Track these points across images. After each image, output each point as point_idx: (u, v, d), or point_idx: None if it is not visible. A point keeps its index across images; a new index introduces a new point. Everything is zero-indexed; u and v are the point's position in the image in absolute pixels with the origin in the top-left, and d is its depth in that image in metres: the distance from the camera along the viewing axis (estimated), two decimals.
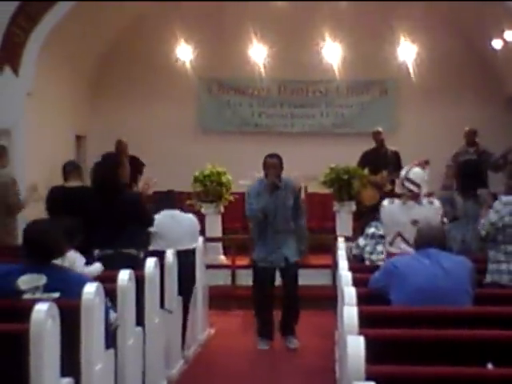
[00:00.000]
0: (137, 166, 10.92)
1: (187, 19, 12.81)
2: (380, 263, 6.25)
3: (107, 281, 4.78)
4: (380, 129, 11.98)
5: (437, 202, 6.43)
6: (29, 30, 10.46)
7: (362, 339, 3.71)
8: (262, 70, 13.09)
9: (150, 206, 6.90)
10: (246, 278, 10.04)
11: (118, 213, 6.21)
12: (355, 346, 3.67)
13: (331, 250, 9.37)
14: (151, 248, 7.01)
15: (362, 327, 4.10)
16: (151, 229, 7.01)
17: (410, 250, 5.71)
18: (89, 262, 5.61)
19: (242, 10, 12.88)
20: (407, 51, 12.79)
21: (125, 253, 6.16)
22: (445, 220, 6.50)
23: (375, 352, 3.65)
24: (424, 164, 9.27)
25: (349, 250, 7.33)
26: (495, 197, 6.16)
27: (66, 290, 4.36)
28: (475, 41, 13.14)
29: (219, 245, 10.99)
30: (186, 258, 7.25)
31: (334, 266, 8.41)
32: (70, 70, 12.13)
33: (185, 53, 12.96)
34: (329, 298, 8.20)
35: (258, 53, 12.96)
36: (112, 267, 5.50)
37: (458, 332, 4.15)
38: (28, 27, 10.46)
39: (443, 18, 13.25)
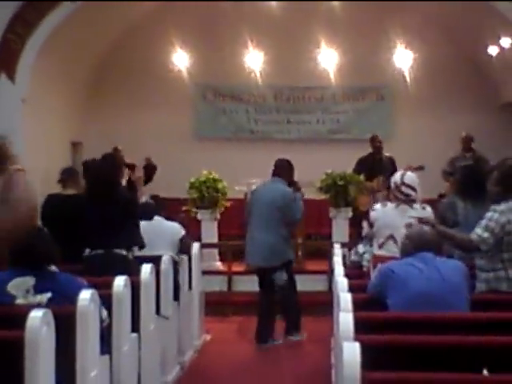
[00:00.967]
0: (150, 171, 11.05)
1: (183, 26, 12.83)
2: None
3: (103, 287, 4.77)
4: (378, 134, 11.95)
5: (428, 208, 6.44)
6: (25, 37, 10.47)
7: (357, 345, 3.70)
8: (258, 76, 13.11)
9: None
10: (242, 284, 10.08)
11: (111, 212, 6.19)
12: (351, 352, 3.66)
13: (327, 255, 9.36)
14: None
15: (357, 333, 4.09)
16: None
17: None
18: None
19: (237, 16, 12.91)
20: (403, 57, 12.83)
21: (114, 253, 6.14)
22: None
23: (371, 358, 3.64)
24: (417, 169, 9.30)
25: (345, 256, 7.33)
26: None
27: (56, 289, 4.38)
28: (471, 47, 13.17)
29: (215, 251, 10.99)
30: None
31: (330, 272, 8.40)
32: (66, 77, 12.13)
33: (180, 60, 12.97)
34: (325, 304, 8.19)
35: (253, 59, 12.98)
36: (101, 267, 5.50)
37: (454, 338, 4.14)
38: (24, 34, 10.47)
39: (439, 24, 13.29)
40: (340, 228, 10.73)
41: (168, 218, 7.66)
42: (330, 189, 10.71)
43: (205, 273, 8.89)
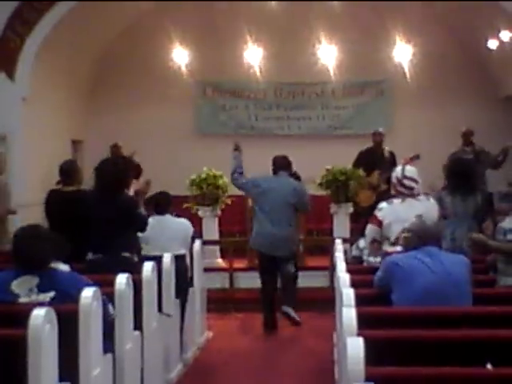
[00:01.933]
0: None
1: (182, 23, 12.80)
2: (378, 265, 6.24)
3: (105, 285, 4.77)
4: (381, 129, 11.90)
5: (432, 199, 6.52)
6: (24, 36, 10.44)
7: (361, 340, 3.71)
8: (258, 72, 13.07)
9: (144, 210, 6.85)
10: (243, 281, 10.08)
11: (113, 216, 6.16)
12: (355, 347, 3.67)
13: (329, 251, 9.36)
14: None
15: (360, 328, 4.09)
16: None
17: None
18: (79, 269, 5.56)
19: (236, 12, 12.88)
20: (403, 52, 12.79)
21: (118, 256, 6.12)
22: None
23: (374, 353, 3.64)
24: (413, 158, 9.32)
25: (346, 252, 7.32)
26: (495, 224, 6.24)
27: (60, 288, 4.38)
28: (471, 41, 13.14)
29: (216, 248, 10.99)
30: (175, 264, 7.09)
31: (331, 268, 8.40)
32: (66, 75, 12.11)
33: (180, 56, 12.93)
34: (327, 300, 8.19)
35: (253, 55, 12.94)
36: (105, 271, 5.49)
37: (458, 332, 4.14)
38: (24, 32, 10.44)
39: (438, 18, 13.26)
40: (341, 223, 10.72)
41: (176, 215, 7.68)
42: (331, 184, 10.70)
43: (206, 270, 8.88)
